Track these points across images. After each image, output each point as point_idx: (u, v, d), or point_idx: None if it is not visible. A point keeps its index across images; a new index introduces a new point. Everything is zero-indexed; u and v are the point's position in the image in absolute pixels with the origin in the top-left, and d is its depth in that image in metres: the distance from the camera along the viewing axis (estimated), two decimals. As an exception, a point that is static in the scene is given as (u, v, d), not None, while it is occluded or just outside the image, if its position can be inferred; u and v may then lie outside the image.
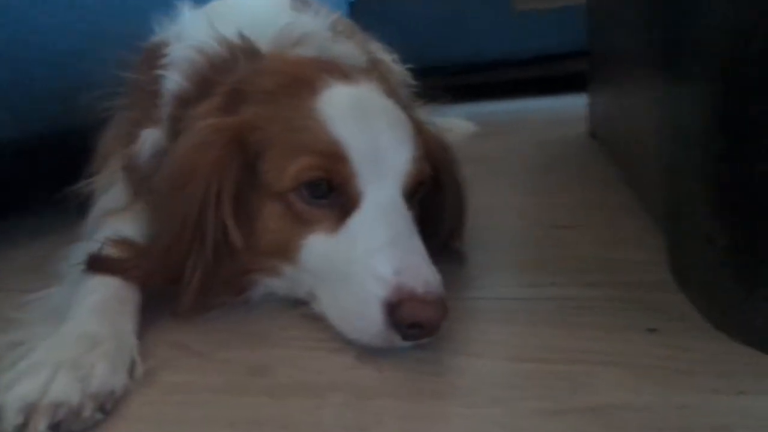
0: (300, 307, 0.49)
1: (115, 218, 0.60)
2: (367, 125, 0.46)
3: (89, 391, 0.36)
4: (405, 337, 0.40)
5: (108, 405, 0.37)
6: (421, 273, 0.41)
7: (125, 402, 0.38)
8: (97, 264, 0.50)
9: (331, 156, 0.44)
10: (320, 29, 0.62)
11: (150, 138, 0.57)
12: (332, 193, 0.45)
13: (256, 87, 0.49)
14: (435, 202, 0.54)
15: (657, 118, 0.57)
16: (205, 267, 0.47)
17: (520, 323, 0.45)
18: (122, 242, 0.53)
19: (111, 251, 0.52)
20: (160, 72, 0.59)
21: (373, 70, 0.61)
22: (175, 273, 0.47)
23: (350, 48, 0.63)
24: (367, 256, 0.42)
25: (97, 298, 0.45)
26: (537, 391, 0.36)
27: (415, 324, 0.39)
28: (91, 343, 0.40)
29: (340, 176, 0.45)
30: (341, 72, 0.51)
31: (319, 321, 0.46)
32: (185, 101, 0.56)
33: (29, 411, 0.34)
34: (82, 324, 0.42)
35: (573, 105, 1.67)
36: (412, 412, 0.35)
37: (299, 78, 0.49)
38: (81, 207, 0.64)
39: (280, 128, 0.46)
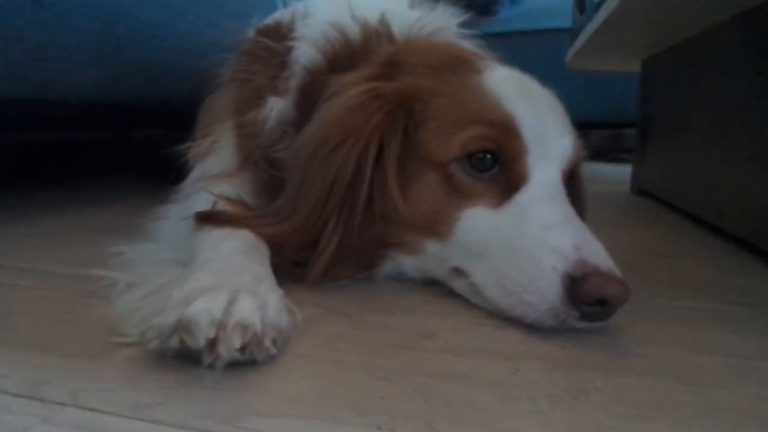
0: (431, 286, 0.46)
1: (219, 182, 0.57)
2: (536, 106, 0.45)
3: (267, 320, 0.33)
4: (583, 316, 0.38)
5: (279, 341, 0.34)
6: (600, 252, 0.39)
7: (292, 344, 0.35)
8: (217, 217, 0.47)
9: (504, 129, 0.43)
10: (451, 25, 0.62)
11: (277, 106, 0.56)
12: (495, 168, 0.44)
13: (413, 60, 0.48)
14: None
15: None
16: (345, 234, 0.44)
17: (686, 324, 0.43)
18: (237, 202, 0.50)
19: (227, 207, 0.49)
20: (290, 43, 0.59)
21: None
22: (313, 237, 0.45)
23: (472, 46, 0.63)
24: (543, 231, 0.40)
25: (235, 245, 0.42)
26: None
27: (601, 300, 0.37)
28: (255, 276, 0.37)
29: (511, 151, 0.44)
30: (492, 59, 0.52)
31: (465, 300, 0.43)
32: (317, 75, 0.55)
33: (219, 327, 0.30)
34: (233, 261, 0.39)
35: (599, 170, 1.72)
36: (627, 385, 0.32)
37: (459, 57, 0.49)
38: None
39: (446, 101, 0.45)
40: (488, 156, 0.44)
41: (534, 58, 1.84)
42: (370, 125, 0.44)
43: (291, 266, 0.46)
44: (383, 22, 0.57)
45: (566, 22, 1.53)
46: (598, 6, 1.18)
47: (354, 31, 0.56)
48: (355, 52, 0.54)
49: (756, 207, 0.65)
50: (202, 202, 0.51)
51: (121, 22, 0.78)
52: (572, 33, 1.27)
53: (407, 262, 0.47)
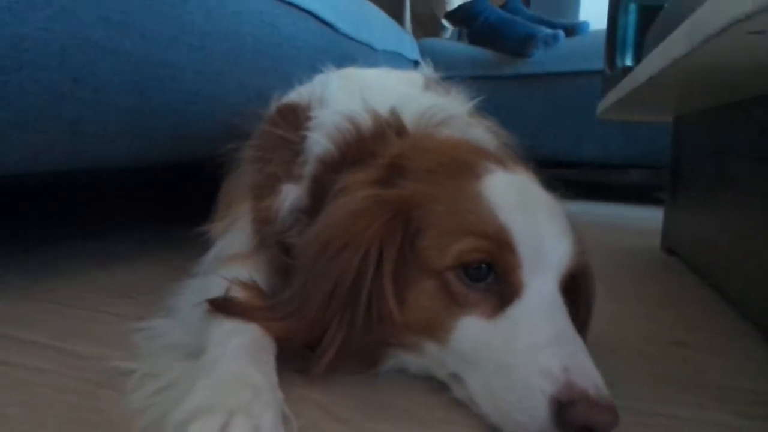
0: (430, 381, 0.48)
1: (235, 263, 0.60)
2: (532, 215, 0.46)
3: None
4: (572, 440, 0.38)
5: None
6: (590, 373, 0.39)
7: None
8: (229, 307, 0.49)
9: (498, 241, 0.44)
10: (461, 112, 0.64)
11: (291, 194, 0.58)
12: (490, 277, 0.45)
13: (415, 164, 0.50)
14: (568, 295, 0.52)
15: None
16: (348, 334, 0.46)
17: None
18: (251, 286, 0.53)
19: (240, 294, 0.51)
20: (304, 132, 0.61)
21: (514, 157, 0.62)
22: (317, 335, 0.46)
23: (485, 132, 0.64)
24: (532, 349, 0.41)
25: (242, 342, 0.45)
26: None
27: (586, 428, 0.37)
28: (253, 391, 0.39)
29: (505, 263, 0.44)
30: (496, 158, 0.52)
31: (462, 406, 0.44)
32: (329, 165, 0.57)
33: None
34: (235, 368, 0.41)
35: (629, 215, 1.69)
36: None
37: (459, 160, 0.50)
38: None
39: (443, 208, 0.47)
40: (483, 266, 0.45)
41: (569, 99, 1.86)
42: (370, 232, 0.46)
43: (297, 355, 0.48)
44: (394, 113, 0.58)
45: (600, 63, 1.52)
46: (627, 68, 1.18)
47: (366, 123, 0.58)
48: (366, 144, 0.56)
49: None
50: (218, 284, 0.54)
51: (156, 92, 0.82)
52: (602, 87, 1.26)
53: (409, 361, 0.49)
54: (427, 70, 0.77)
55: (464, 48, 2.07)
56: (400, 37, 1.89)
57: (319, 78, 0.76)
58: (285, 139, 0.63)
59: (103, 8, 0.70)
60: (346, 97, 0.63)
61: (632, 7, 1.28)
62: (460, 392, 0.45)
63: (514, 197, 0.47)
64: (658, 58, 0.64)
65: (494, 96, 1.94)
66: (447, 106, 0.63)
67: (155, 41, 0.80)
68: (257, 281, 0.56)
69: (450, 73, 2.13)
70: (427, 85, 0.71)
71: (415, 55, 1.98)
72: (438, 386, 0.47)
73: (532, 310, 0.43)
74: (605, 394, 0.38)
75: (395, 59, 1.80)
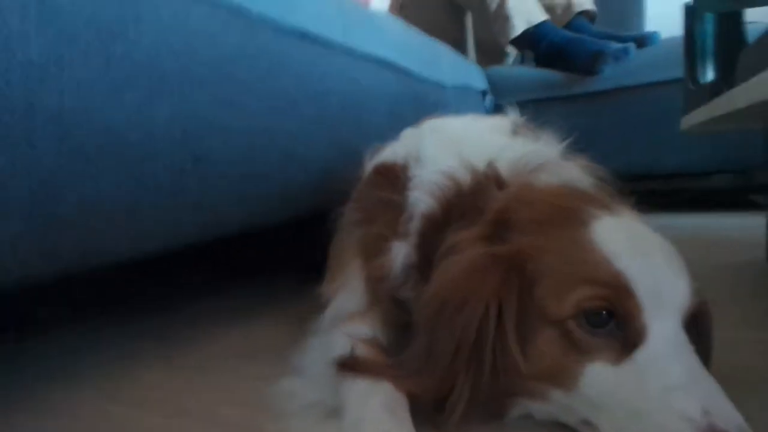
0: (562, 427, 0.49)
1: (353, 320, 0.65)
2: (645, 257, 0.48)
3: None
4: (714, 485, 0.39)
5: None
6: (731, 414, 0.40)
7: None
8: (357, 365, 0.53)
9: (616, 288, 0.46)
10: (554, 156, 0.66)
11: (401, 252, 0.62)
12: (611, 323, 0.47)
13: (521, 216, 0.53)
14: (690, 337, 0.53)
15: None
16: (475, 388, 0.49)
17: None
18: (373, 343, 0.57)
19: (364, 352, 0.55)
20: (406, 192, 0.65)
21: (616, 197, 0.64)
22: (446, 390, 0.49)
23: (581, 173, 0.66)
24: (666, 393, 0.42)
25: (381, 401, 0.49)
26: None
27: (732, 472, 0.38)
28: None
29: (624, 308, 0.46)
30: (599, 202, 0.54)
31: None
32: (435, 222, 0.61)
33: None
34: (382, 428, 0.46)
35: (726, 224, 1.61)
36: None
37: (564, 208, 0.52)
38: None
39: (555, 258, 0.49)
40: (604, 313, 0.46)
41: (646, 111, 1.82)
42: (488, 288, 0.49)
43: (426, 410, 0.51)
44: (490, 166, 0.62)
45: (675, 72, 1.49)
46: (711, 83, 1.16)
47: (465, 179, 0.61)
48: (468, 200, 0.60)
49: None
50: (341, 342, 0.59)
51: (259, 162, 0.89)
52: (686, 102, 1.24)
53: (536, 408, 0.51)
54: (512, 114, 0.80)
55: (531, 71, 2.07)
56: (467, 70, 1.93)
57: (409, 134, 0.80)
58: (387, 200, 0.67)
59: (211, 90, 0.78)
60: (442, 153, 0.66)
61: (709, 16, 1.26)
62: (593, 438, 0.46)
63: (625, 241, 0.48)
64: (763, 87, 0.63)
65: (568, 116, 1.94)
66: (539, 152, 0.65)
67: (256, 114, 0.87)
68: (377, 338, 0.60)
69: (518, 98, 2.14)
70: (515, 131, 0.73)
71: (483, 84, 2.01)
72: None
73: (660, 353, 0.44)
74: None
75: (465, 92, 1.84)
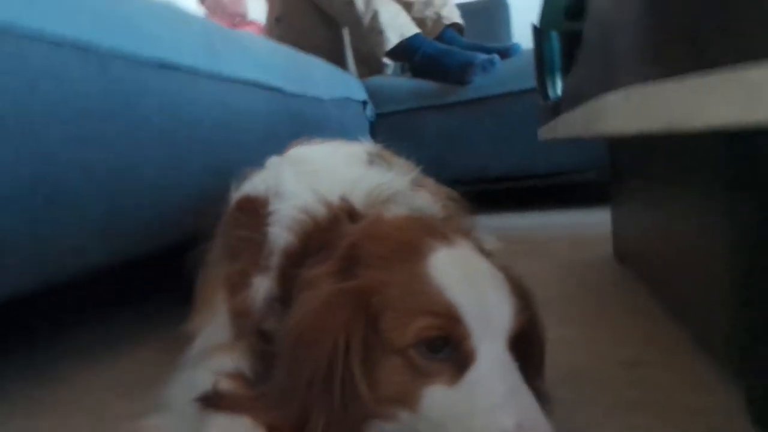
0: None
1: (218, 353, 0.66)
2: (474, 287, 0.53)
3: None
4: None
5: None
6: (540, 426, 0.46)
7: None
8: (219, 401, 0.55)
9: (448, 317, 0.51)
10: (405, 187, 0.71)
11: (263, 286, 0.64)
12: (447, 348, 0.51)
13: (369, 251, 0.57)
14: (521, 346, 0.59)
15: (720, 239, 0.62)
16: (329, 416, 0.52)
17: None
18: (237, 377, 0.59)
19: (228, 386, 0.57)
20: (266, 227, 0.67)
21: (456, 222, 0.69)
22: (303, 422, 0.52)
23: (428, 199, 0.71)
24: (489, 411, 0.48)
25: None
26: None
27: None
28: None
29: (457, 335, 0.51)
30: (440, 234, 0.59)
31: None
32: (293, 256, 0.64)
33: None
34: None
35: (588, 220, 1.77)
36: None
37: (406, 243, 0.57)
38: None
39: (397, 292, 0.53)
40: (439, 340, 0.51)
41: (513, 118, 1.96)
42: (336, 323, 0.52)
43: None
44: (344, 200, 0.65)
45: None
46: (557, 102, 1.27)
47: (321, 213, 0.65)
48: (324, 233, 0.63)
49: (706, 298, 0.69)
50: (205, 377, 0.60)
51: (125, 194, 0.87)
52: (540, 115, 1.35)
53: (388, 429, 0.55)
54: (368, 144, 0.84)
55: (408, 82, 2.16)
56: (345, 82, 1.98)
57: (272, 164, 0.82)
58: (249, 237, 0.69)
59: (62, 128, 0.75)
60: (300, 187, 0.69)
61: (554, 35, 1.37)
62: (436, 454, 0.51)
63: (457, 273, 0.53)
64: (580, 124, 0.69)
65: (442, 124, 2.05)
66: (391, 182, 0.70)
67: (115, 145, 0.85)
68: (242, 370, 0.62)
69: (397, 107, 2.21)
70: (371, 160, 0.78)
71: (362, 95, 2.07)
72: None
73: (486, 373, 0.50)
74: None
75: (344, 104, 1.88)
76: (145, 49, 0.91)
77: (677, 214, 0.80)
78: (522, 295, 0.58)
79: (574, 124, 0.67)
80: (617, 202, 1.26)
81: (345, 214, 0.64)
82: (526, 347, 0.57)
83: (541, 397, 0.62)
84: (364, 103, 2.07)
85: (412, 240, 0.57)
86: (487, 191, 2.10)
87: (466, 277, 0.54)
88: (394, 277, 0.54)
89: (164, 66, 0.96)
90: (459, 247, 0.58)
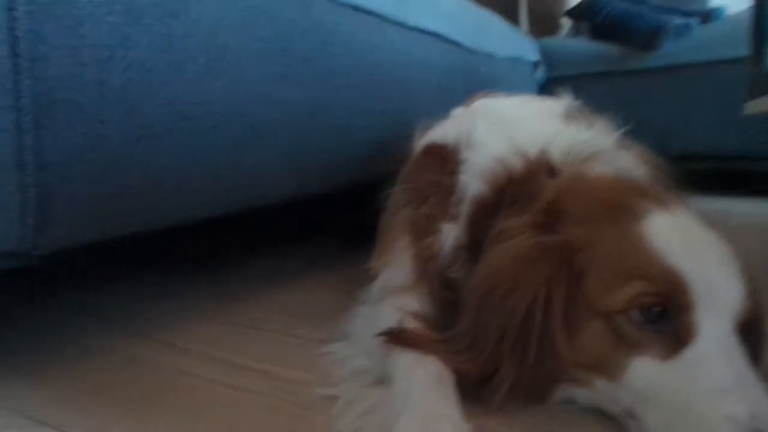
0: (603, 414, 0.50)
1: (401, 293, 0.67)
2: (701, 257, 0.47)
3: None
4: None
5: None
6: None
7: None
8: (405, 338, 0.55)
9: (669, 284, 0.46)
10: (609, 144, 0.65)
11: (451, 234, 0.63)
12: (662, 319, 0.47)
13: (572, 208, 0.53)
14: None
15: None
16: (519, 371, 0.50)
17: None
18: (421, 318, 0.59)
19: (412, 325, 0.57)
20: (457, 174, 0.66)
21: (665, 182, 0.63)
22: (491, 371, 0.51)
23: (635, 163, 0.65)
24: (714, 394, 0.42)
25: (428, 375, 0.51)
26: None
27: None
28: (451, 424, 0.45)
29: (677, 305, 0.46)
30: (654, 197, 0.54)
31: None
32: (485, 206, 0.62)
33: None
34: (430, 401, 0.48)
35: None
36: None
37: (617, 201, 0.52)
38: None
39: (606, 252, 0.49)
40: (654, 309, 0.47)
41: (707, 90, 1.75)
42: (537, 278, 0.50)
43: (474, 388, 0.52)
44: (543, 153, 0.61)
45: (740, 50, 1.42)
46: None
47: (516, 165, 0.62)
48: (519, 187, 0.60)
49: None
50: (389, 313, 0.61)
51: (313, 132, 0.91)
52: (750, 86, 1.18)
53: (582, 394, 0.52)
54: (566, 98, 0.79)
55: (587, 45, 2.01)
56: (518, 41, 1.89)
57: (459, 114, 0.80)
58: (438, 181, 0.67)
59: (267, 65, 0.79)
60: (494, 137, 0.66)
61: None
62: (635, 429, 0.47)
63: (679, 238, 0.48)
64: None
65: (621, 92, 1.89)
66: (593, 140, 0.64)
67: (310, 85, 0.88)
68: (425, 312, 0.62)
69: (571, 71, 2.07)
70: (568, 116, 0.72)
71: (535, 56, 1.97)
72: (610, 421, 0.50)
73: (710, 353, 0.45)
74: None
75: (516, 63, 1.80)
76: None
77: None
78: (749, 278, 0.51)
79: None
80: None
81: (543, 168, 0.61)
82: (749, 336, 0.50)
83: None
84: (536, 64, 1.97)
85: (622, 199, 0.53)
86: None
87: (690, 245, 0.48)
88: (602, 237, 0.50)
89: (357, 9, 0.97)
90: (678, 213, 0.52)
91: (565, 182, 0.58)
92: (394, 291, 0.67)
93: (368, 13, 1.02)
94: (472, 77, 1.48)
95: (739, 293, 0.47)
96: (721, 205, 1.62)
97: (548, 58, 2.01)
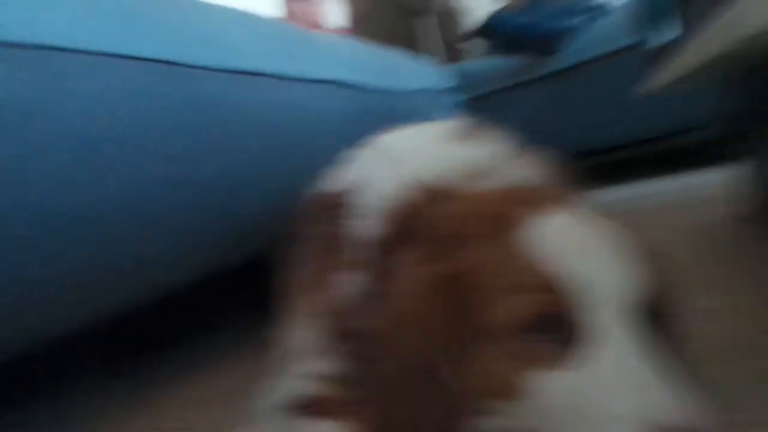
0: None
1: (307, 357, 0.63)
2: (582, 254, 0.46)
3: None
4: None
5: None
6: (677, 406, 0.38)
7: None
8: (315, 406, 0.52)
9: (552, 291, 0.44)
10: (500, 159, 0.64)
11: (351, 283, 0.60)
12: (556, 327, 0.44)
13: (463, 231, 0.51)
14: (656, 321, 0.50)
15: None
16: (433, 414, 0.46)
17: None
18: (330, 380, 0.56)
19: (320, 390, 0.54)
20: (350, 219, 0.64)
21: (560, 190, 0.62)
22: (399, 422, 0.47)
23: (527, 172, 0.64)
24: (611, 395, 0.40)
25: None
26: None
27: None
28: None
29: (564, 309, 0.44)
30: (541, 202, 0.52)
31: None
32: (383, 247, 0.59)
33: None
34: None
35: (695, 183, 1.59)
36: None
37: (501, 216, 0.51)
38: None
39: (492, 270, 0.47)
40: (544, 318, 0.44)
41: (611, 81, 1.80)
42: (428, 312, 0.47)
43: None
44: (435, 180, 0.60)
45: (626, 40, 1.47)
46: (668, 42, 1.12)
47: (408, 197, 0.59)
48: (413, 218, 0.58)
49: None
50: (297, 383, 0.58)
51: (212, 207, 0.88)
52: (645, 64, 1.21)
53: (487, 425, 0.48)
54: (454, 119, 0.78)
55: (495, 61, 2.06)
56: (430, 71, 1.92)
57: (353, 156, 0.78)
58: (333, 231, 0.65)
59: (155, 146, 0.76)
60: (383, 174, 0.64)
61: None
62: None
63: (559, 240, 0.47)
64: (715, 42, 0.59)
65: (537, 99, 1.93)
66: (485, 156, 0.63)
67: (207, 160, 0.86)
68: (333, 373, 0.58)
69: (488, 89, 2.12)
70: (460, 137, 0.71)
71: (448, 82, 2.00)
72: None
73: (606, 353, 0.42)
74: (699, 424, 0.37)
75: (428, 94, 1.82)
76: (224, 59, 0.92)
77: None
78: (650, 260, 0.49)
79: (704, 47, 0.56)
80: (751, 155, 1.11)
81: (436, 195, 0.59)
82: (664, 322, 0.49)
83: (687, 378, 0.53)
84: (452, 90, 2.00)
85: (505, 212, 0.51)
86: (590, 166, 1.94)
87: (571, 244, 0.46)
88: (488, 255, 0.48)
89: (246, 74, 0.96)
90: (561, 213, 0.50)
91: (456, 206, 0.56)
92: (300, 356, 0.63)
93: (258, 74, 1.01)
94: (386, 115, 1.48)
95: (631, 280, 0.45)
96: (647, 189, 1.66)
97: (465, 80, 2.04)
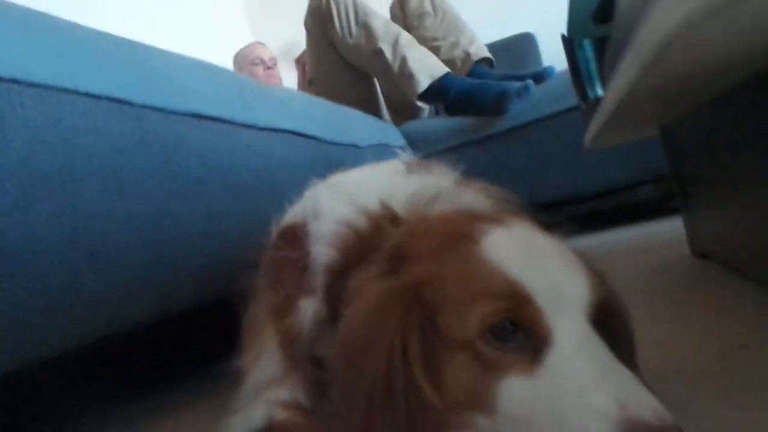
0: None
1: (272, 386, 0.61)
2: (538, 262, 0.47)
3: None
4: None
5: None
6: (646, 401, 0.39)
7: None
8: None
9: (512, 297, 0.45)
10: (447, 185, 0.66)
11: (309, 309, 0.60)
12: (518, 334, 0.45)
13: (416, 248, 0.52)
14: (605, 328, 0.51)
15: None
16: (398, 429, 0.45)
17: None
18: (292, 406, 0.54)
19: (285, 417, 0.52)
20: (307, 248, 0.64)
21: (509, 210, 0.64)
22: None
23: (476, 196, 0.66)
24: (580, 394, 0.40)
25: None
26: None
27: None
28: None
29: (525, 316, 0.45)
30: (489, 218, 0.54)
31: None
32: (337, 272, 0.59)
33: None
34: None
35: (653, 230, 1.67)
36: None
37: (455, 232, 0.52)
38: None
39: (452, 282, 0.48)
40: (507, 325, 0.45)
41: (556, 141, 1.90)
42: (389, 325, 0.47)
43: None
44: (384, 206, 0.61)
45: (573, 100, 1.56)
46: (599, 98, 1.22)
47: (361, 223, 0.60)
48: (366, 243, 0.59)
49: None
50: (261, 412, 0.56)
51: (165, 245, 0.86)
52: (583, 120, 1.29)
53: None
54: (405, 156, 0.81)
55: (444, 122, 2.14)
56: (381, 129, 1.98)
57: (308, 194, 0.79)
58: (290, 260, 0.65)
59: (99, 183, 0.75)
60: (337, 203, 0.65)
61: (586, 42, 1.34)
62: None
63: (516, 250, 0.48)
64: (618, 84, 0.66)
65: (484, 158, 2.00)
66: (432, 184, 0.65)
67: (155, 198, 0.85)
68: (298, 400, 0.57)
69: (436, 148, 2.18)
70: (409, 170, 0.74)
71: (399, 141, 2.06)
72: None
73: (568, 354, 0.43)
74: (665, 416, 0.37)
75: (382, 150, 1.87)
76: (180, 102, 0.92)
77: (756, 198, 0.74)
78: (595, 271, 0.51)
79: (624, 76, 0.60)
80: (685, 202, 1.18)
81: (387, 220, 0.60)
82: (612, 329, 0.50)
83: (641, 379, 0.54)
84: (402, 148, 2.06)
85: (460, 229, 0.52)
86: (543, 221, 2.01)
87: (528, 253, 0.48)
88: (446, 267, 0.49)
89: (203, 118, 0.97)
90: (515, 226, 0.52)
91: (407, 227, 0.57)
92: (265, 385, 0.62)
93: (215, 119, 1.02)
94: (340, 168, 1.50)
95: (583, 285, 0.47)
96: (593, 240, 1.72)
97: (413, 140, 2.11)
